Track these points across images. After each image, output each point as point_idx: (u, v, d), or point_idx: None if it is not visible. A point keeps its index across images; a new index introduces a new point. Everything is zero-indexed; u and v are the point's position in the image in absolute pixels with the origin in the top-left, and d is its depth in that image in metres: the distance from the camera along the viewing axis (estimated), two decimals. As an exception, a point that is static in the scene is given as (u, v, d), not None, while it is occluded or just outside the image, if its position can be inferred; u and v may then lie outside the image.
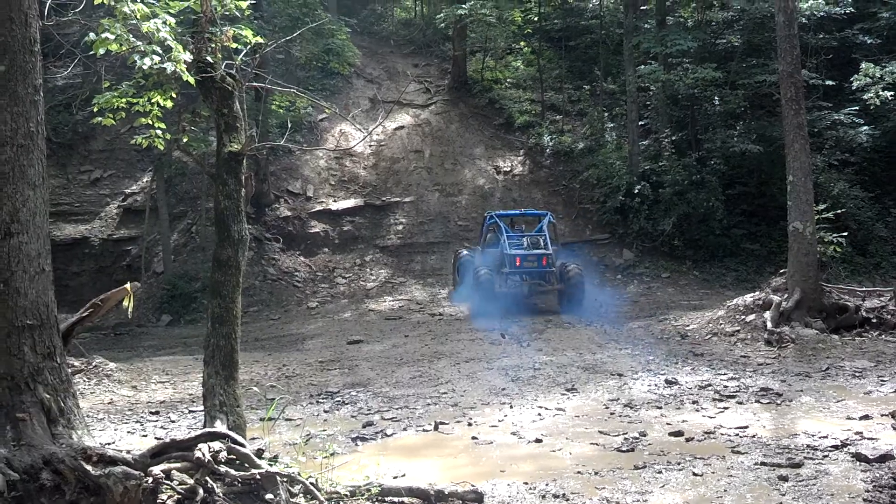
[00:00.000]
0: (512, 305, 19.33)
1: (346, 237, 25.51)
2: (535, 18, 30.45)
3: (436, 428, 10.70)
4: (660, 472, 8.60)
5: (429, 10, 35.97)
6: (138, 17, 6.44)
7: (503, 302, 19.10)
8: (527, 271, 19.80)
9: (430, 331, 18.52)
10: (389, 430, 10.76)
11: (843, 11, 23.39)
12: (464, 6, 27.24)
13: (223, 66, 8.21)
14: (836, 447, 9.27)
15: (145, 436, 10.85)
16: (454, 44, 31.09)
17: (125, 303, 9.45)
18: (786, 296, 16.20)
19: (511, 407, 11.71)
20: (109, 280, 22.52)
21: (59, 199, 24.11)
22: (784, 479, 8.25)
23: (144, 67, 6.60)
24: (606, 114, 28.78)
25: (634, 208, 24.55)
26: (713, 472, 8.54)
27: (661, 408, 11.40)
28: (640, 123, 26.15)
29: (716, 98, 25.63)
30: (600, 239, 25.25)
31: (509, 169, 27.71)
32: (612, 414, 11.22)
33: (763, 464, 8.75)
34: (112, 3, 6.55)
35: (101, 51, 6.70)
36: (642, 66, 25.72)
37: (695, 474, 8.49)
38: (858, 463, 8.64)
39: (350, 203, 26.23)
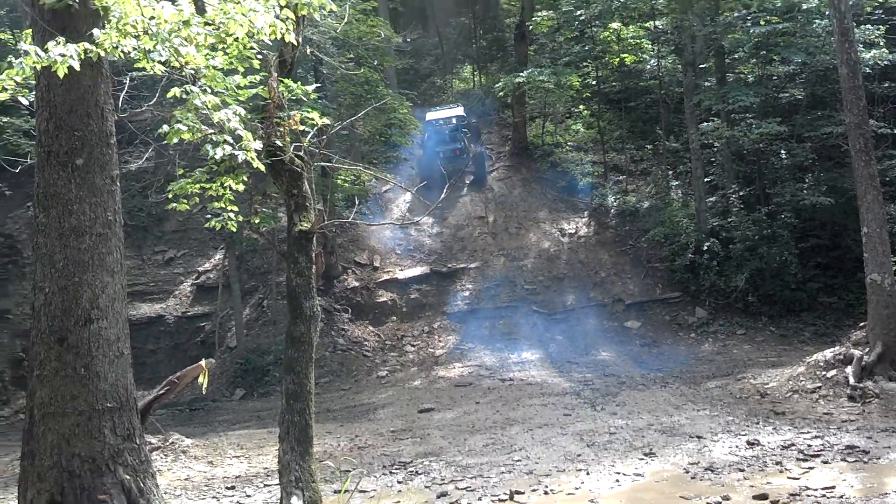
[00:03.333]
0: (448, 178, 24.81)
1: (414, 305, 25.63)
2: (594, 82, 30.63)
3: (511, 497, 10.56)
4: (745, 539, 8.34)
5: (487, 80, 36.49)
6: (209, 107, 6.70)
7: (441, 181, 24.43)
8: (447, 159, 27.71)
9: (501, 397, 18.38)
10: (464, 500, 10.65)
11: (907, 59, 23.03)
12: (522, 75, 27.59)
13: (291, 149, 8.46)
14: (930, 507, 8.89)
15: (222, 512, 10.93)
16: (513, 111, 31.43)
17: (200, 379, 9.65)
18: (867, 349, 15.69)
19: (588, 473, 11.51)
20: (184, 356, 23.00)
21: (134, 279, 24.79)
22: (876, 542, 7.93)
23: (217, 157, 6.84)
24: (671, 172, 28.61)
25: (705, 265, 24.20)
26: (801, 538, 8.25)
27: (743, 470, 11.09)
28: (705, 180, 25.92)
29: (782, 151, 25.28)
30: (671, 297, 24.90)
31: (574, 231, 27.65)
32: (692, 478, 10.95)
33: (853, 527, 8.43)
34: (184, 96, 6.82)
35: (175, 140, 6.98)
36: (705, 124, 25.57)
37: (782, 540, 8.22)
38: (956, 524, 8.27)
39: (416, 271, 26.42)
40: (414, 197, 27.01)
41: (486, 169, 30.19)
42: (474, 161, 29.12)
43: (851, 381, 15.06)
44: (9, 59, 6.37)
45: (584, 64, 30.07)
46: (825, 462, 11.21)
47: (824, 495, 9.68)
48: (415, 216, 26.89)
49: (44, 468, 7.71)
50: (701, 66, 26.96)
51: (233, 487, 12.32)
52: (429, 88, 36.94)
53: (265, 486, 12.16)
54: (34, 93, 8.45)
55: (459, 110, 30.70)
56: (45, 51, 6.03)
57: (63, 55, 6.00)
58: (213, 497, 11.80)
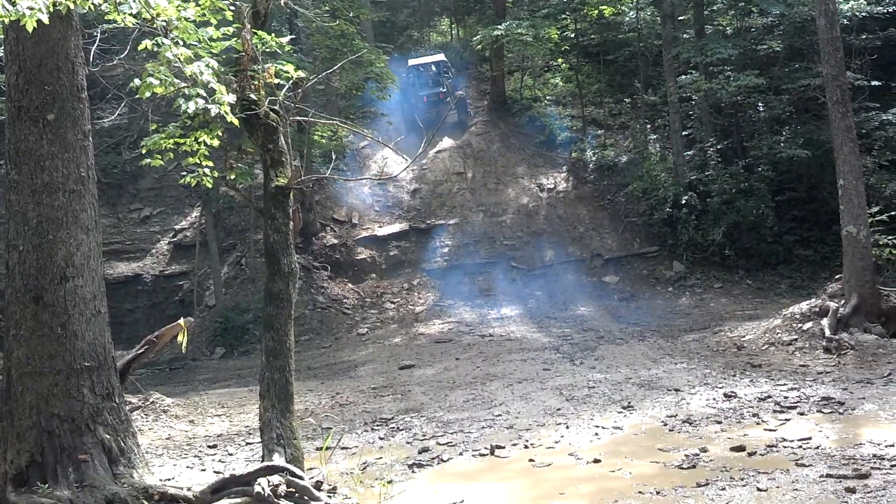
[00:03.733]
0: (432, 121, 26.82)
1: (393, 262, 25.59)
2: (572, 35, 30.36)
3: (492, 452, 10.63)
4: (723, 489, 8.45)
5: (465, 33, 36.10)
6: (182, 60, 6.55)
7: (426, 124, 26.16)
8: (432, 103, 29.41)
9: (480, 352, 18.46)
10: (445, 455, 10.72)
11: (885, 11, 22.94)
12: (500, 27, 27.29)
13: (266, 103, 8.32)
14: (904, 455, 9.02)
15: (204, 470, 10.94)
16: (491, 64, 31.17)
17: (180, 338, 9.59)
18: (842, 302, 15.85)
19: (567, 427, 11.60)
20: (163, 315, 22.87)
21: (110, 238, 24.55)
22: (851, 490, 8.06)
23: (190, 111, 6.70)
24: (649, 126, 28.55)
25: (682, 219, 24.27)
26: (778, 487, 8.36)
27: (720, 422, 11.21)
28: (683, 133, 25.90)
29: (760, 104, 25.26)
30: (649, 252, 25.01)
31: (553, 186, 27.62)
32: (670, 430, 11.06)
33: (829, 476, 8.56)
34: (155, 49, 6.66)
35: (147, 94, 6.83)
36: (683, 77, 25.48)
37: (759, 489, 8.33)
38: (929, 472, 8.40)
39: (395, 228, 26.34)
40: (392, 152, 26.82)
41: (469, 112, 30.86)
42: (457, 105, 29.96)
43: (827, 333, 15.21)
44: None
45: (563, 16, 29.77)
46: (801, 414, 11.35)
47: (801, 446, 9.80)
48: (393, 171, 26.73)
49: (23, 429, 7.66)
50: (679, 18, 26.80)
51: (214, 446, 12.33)
52: (406, 41, 36.52)
53: (247, 444, 12.17)
54: (2, 47, 8.24)
55: (441, 56, 31.75)
56: (13, 4, 5.85)
57: (31, 8, 5.82)
58: (195, 456, 11.81)
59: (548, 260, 25.09)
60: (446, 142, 29.27)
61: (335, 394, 15.50)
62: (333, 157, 19.27)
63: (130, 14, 6.39)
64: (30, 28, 5.96)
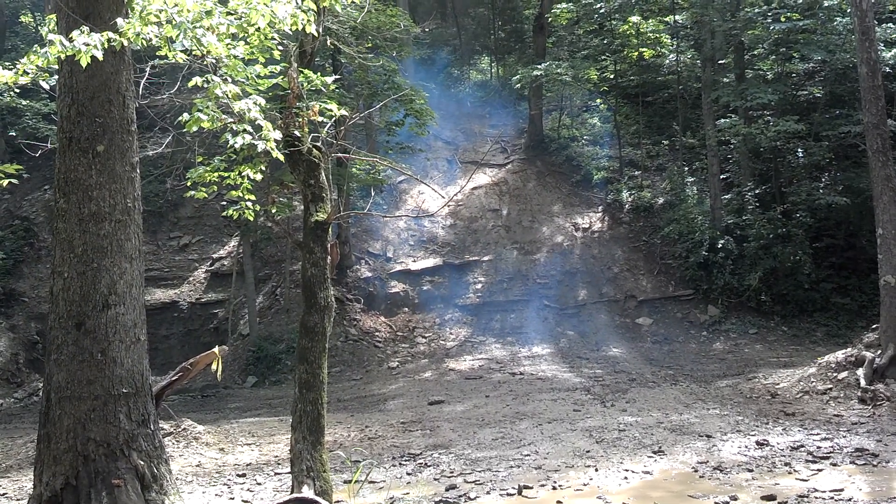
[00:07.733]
0: None
1: (426, 297, 25.69)
2: (611, 76, 30.55)
3: (520, 492, 10.59)
4: (753, 540, 8.35)
5: (504, 72, 36.44)
6: (230, 96, 6.74)
7: None
8: None
9: (511, 391, 18.42)
10: (473, 493, 10.69)
11: (928, 59, 22.87)
12: (539, 67, 27.52)
13: (309, 139, 8.49)
14: (939, 513, 8.88)
15: (232, 499, 11.01)
16: (530, 103, 31.40)
17: (214, 366, 9.73)
18: (879, 352, 15.65)
19: (596, 470, 11.53)
20: (197, 342, 23.14)
21: (149, 264, 24.93)
22: (885, 547, 7.93)
23: (237, 146, 6.88)
24: (686, 168, 28.53)
25: (718, 263, 24.16)
26: (809, 540, 8.26)
27: (751, 470, 11.09)
28: (721, 177, 25.85)
29: (799, 150, 25.18)
30: (684, 295, 24.88)
31: (588, 225, 27.63)
32: (701, 477, 10.96)
33: (862, 531, 8.43)
34: (205, 85, 6.86)
35: (195, 128, 7.03)
36: (722, 120, 25.49)
37: (790, 542, 8.22)
38: (965, 531, 8.25)
39: (429, 263, 26.48)
40: (428, 188, 27.01)
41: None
42: None
43: (862, 383, 15.02)
44: (34, 49, 6.42)
45: (603, 57, 30.00)
46: (834, 464, 11.20)
47: (832, 497, 9.67)
48: (430, 206, 26.89)
49: (59, 451, 7.80)
50: (720, 61, 26.86)
51: (244, 475, 12.41)
52: (445, 79, 36.92)
53: (276, 474, 12.24)
54: (55, 77, 8.50)
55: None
56: (70, 40, 6.06)
57: (87, 44, 6.03)
58: (224, 484, 11.89)
59: (581, 299, 25.04)
60: (482, 178, 29.45)
61: (364, 427, 15.54)
62: (372, 193, 19.45)
63: (181, 51, 6.60)
64: (84, 63, 6.18)
